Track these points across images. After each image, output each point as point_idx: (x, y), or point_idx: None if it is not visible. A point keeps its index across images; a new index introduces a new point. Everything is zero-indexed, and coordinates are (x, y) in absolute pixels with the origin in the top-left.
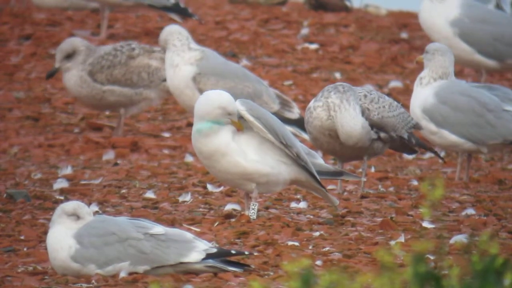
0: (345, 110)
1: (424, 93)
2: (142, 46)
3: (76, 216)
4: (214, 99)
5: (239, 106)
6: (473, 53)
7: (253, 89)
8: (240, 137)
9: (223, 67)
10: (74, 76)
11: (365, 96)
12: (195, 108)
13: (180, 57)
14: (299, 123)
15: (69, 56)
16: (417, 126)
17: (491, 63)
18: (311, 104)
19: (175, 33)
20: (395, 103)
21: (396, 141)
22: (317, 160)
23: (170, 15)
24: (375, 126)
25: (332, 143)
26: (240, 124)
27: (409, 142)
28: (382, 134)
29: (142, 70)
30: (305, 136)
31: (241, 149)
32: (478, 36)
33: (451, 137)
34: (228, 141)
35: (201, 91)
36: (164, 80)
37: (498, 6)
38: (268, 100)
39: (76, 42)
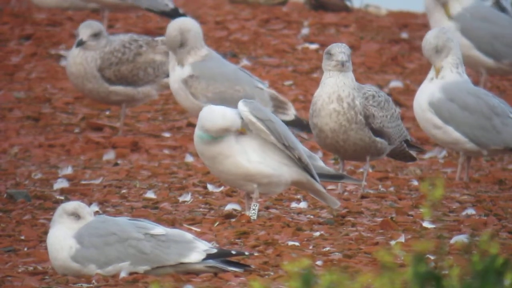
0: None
1: (431, 87)
2: (146, 40)
3: (76, 216)
4: (218, 120)
5: (242, 107)
6: (471, 48)
7: (244, 93)
8: (243, 138)
9: (215, 70)
10: (88, 59)
11: (373, 96)
12: (199, 117)
13: (190, 56)
14: (294, 124)
15: (96, 35)
16: (407, 140)
17: (488, 61)
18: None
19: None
20: (396, 113)
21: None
22: (318, 163)
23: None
24: (374, 132)
25: (335, 138)
26: (243, 128)
27: (395, 150)
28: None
29: (148, 65)
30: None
31: (244, 150)
32: (478, 33)
33: (455, 134)
34: (231, 143)
35: (193, 95)
36: (168, 75)
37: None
38: (260, 103)
39: (101, 26)
